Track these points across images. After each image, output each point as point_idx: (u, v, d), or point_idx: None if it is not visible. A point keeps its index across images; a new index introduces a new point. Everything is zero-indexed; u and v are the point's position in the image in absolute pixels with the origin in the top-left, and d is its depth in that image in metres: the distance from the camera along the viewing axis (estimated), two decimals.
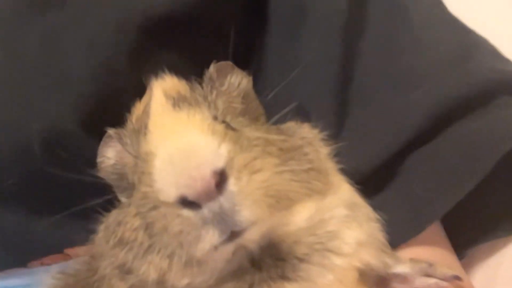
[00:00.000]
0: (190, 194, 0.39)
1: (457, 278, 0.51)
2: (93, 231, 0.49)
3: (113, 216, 0.47)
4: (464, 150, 0.57)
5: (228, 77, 0.52)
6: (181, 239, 0.40)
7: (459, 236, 0.62)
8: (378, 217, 0.50)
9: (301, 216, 0.45)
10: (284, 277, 0.44)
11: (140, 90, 0.53)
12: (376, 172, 0.56)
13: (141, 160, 0.44)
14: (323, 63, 0.60)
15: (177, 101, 0.46)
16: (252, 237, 0.42)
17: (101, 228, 0.48)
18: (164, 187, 0.40)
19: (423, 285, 0.51)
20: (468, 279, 0.58)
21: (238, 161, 0.41)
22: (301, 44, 0.62)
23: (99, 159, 0.52)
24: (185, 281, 0.43)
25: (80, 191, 0.48)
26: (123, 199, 0.50)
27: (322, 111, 0.58)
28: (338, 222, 0.47)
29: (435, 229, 0.59)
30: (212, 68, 0.51)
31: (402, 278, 0.51)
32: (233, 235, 0.41)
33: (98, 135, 0.52)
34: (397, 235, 0.53)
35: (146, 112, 0.48)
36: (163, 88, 0.48)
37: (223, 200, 0.40)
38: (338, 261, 0.46)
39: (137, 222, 0.44)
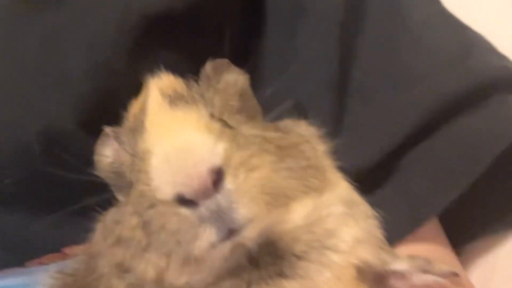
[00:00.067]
0: (187, 192, 0.39)
1: (455, 274, 0.51)
2: (91, 230, 0.49)
3: (110, 214, 0.48)
4: (461, 147, 0.57)
5: (225, 75, 0.51)
6: (179, 237, 0.40)
7: (456, 232, 0.62)
8: (376, 214, 0.50)
9: (298, 213, 0.45)
10: (282, 275, 0.44)
11: (139, 89, 0.53)
12: (374, 169, 0.57)
13: (138, 158, 0.44)
14: (321, 61, 0.60)
15: (174, 99, 0.46)
16: (249, 235, 0.42)
17: (99, 226, 0.48)
18: (161, 185, 0.40)
19: (421, 281, 0.51)
20: (465, 276, 0.59)
21: (235, 159, 0.41)
22: (298, 42, 0.62)
23: (96, 158, 0.52)
24: (183, 279, 0.43)
25: (79, 190, 0.47)
26: (120, 197, 0.50)
27: (320, 108, 0.58)
28: (335, 220, 0.47)
29: (433, 226, 0.60)
30: (209, 66, 0.51)
31: (400, 275, 0.51)
32: (231, 233, 0.41)
33: (97, 135, 0.52)
34: (395, 232, 0.53)
35: (142, 110, 0.48)
36: (159, 86, 0.48)
37: (220, 198, 0.40)
38: (335, 258, 0.46)
39: (134, 220, 0.44)
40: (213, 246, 0.40)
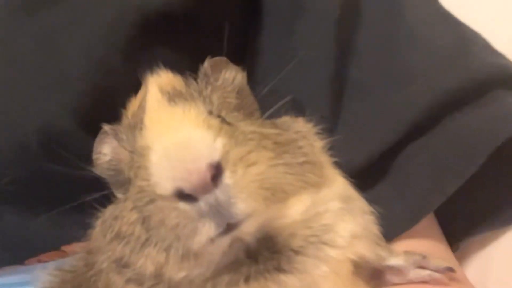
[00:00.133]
0: (186, 187, 0.39)
1: (451, 270, 0.51)
2: (90, 227, 0.50)
3: (109, 210, 0.48)
4: (458, 143, 0.57)
5: (223, 72, 0.52)
6: (178, 232, 0.41)
7: (452, 228, 0.62)
8: (373, 210, 0.50)
9: (296, 209, 0.46)
10: (279, 269, 0.45)
11: (136, 87, 0.53)
12: (371, 166, 0.57)
13: (137, 154, 0.44)
14: (319, 59, 0.60)
15: (173, 96, 0.47)
16: (248, 230, 0.42)
17: (98, 223, 0.49)
18: (160, 181, 0.40)
19: (417, 277, 0.51)
20: (461, 271, 0.59)
21: (233, 154, 0.41)
22: (296, 39, 0.62)
23: (94, 156, 0.52)
24: (182, 273, 0.43)
25: (77, 188, 0.48)
26: (118, 195, 0.51)
27: (317, 105, 0.58)
28: (332, 215, 0.48)
29: (429, 222, 0.60)
30: (207, 63, 0.51)
31: (396, 270, 0.51)
32: (229, 227, 0.41)
33: (95, 132, 0.53)
34: (392, 228, 0.54)
35: (141, 108, 0.48)
36: (158, 83, 0.49)
37: (219, 193, 0.40)
38: (332, 253, 0.46)
39: (134, 216, 0.44)
40: (212, 240, 0.41)
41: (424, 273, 0.51)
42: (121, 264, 0.45)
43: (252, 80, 0.54)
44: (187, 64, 0.52)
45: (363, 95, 0.60)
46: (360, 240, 0.48)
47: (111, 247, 0.46)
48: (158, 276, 0.44)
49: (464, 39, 0.63)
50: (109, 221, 0.47)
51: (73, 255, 0.53)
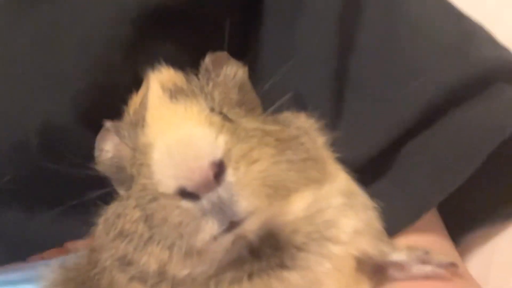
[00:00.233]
0: (189, 185, 0.39)
1: (453, 265, 0.51)
2: (92, 225, 0.50)
3: (112, 208, 0.48)
4: (460, 138, 0.57)
5: (224, 68, 0.51)
6: (181, 230, 0.41)
7: (455, 223, 0.62)
8: (375, 205, 0.50)
9: (298, 205, 0.46)
10: (282, 266, 0.45)
11: (136, 84, 0.53)
12: (373, 161, 0.57)
13: (139, 152, 0.44)
14: (320, 54, 0.60)
15: (174, 93, 0.47)
16: (250, 227, 0.42)
17: (101, 220, 0.48)
18: (163, 179, 0.40)
19: (420, 272, 0.51)
20: (464, 266, 0.59)
21: (235, 152, 0.41)
22: (297, 35, 0.62)
23: (96, 153, 0.52)
24: (185, 271, 0.43)
25: (79, 186, 0.48)
26: (121, 192, 0.51)
27: (319, 100, 0.58)
28: (335, 211, 0.48)
29: (431, 217, 0.60)
30: (208, 59, 0.51)
31: (399, 266, 0.51)
32: (232, 225, 0.41)
33: (96, 130, 0.52)
34: (394, 223, 0.53)
35: (143, 105, 0.48)
36: (159, 80, 0.49)
37: (221, 191, 0.40)
38: (335, 249, 0.46)
39: (136, 214, 0.44)
40: (215, 238, 0.41)
41: (427, 268, 0.51)
42: (125, 262, 0.45)
43: (253, 76, 0.54)
44: (188, 60, 0.52)
45: (365, 90, 0.60)
46: (363, 236, 0.48)
47: (114, 245, 0.46)
48: (161, 273, 0.44)
49: (467, 32, 0.62)
50: (112, 219, 0.47)
51: (76, 253, 0.53)
